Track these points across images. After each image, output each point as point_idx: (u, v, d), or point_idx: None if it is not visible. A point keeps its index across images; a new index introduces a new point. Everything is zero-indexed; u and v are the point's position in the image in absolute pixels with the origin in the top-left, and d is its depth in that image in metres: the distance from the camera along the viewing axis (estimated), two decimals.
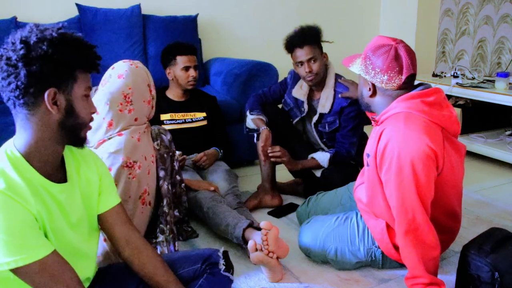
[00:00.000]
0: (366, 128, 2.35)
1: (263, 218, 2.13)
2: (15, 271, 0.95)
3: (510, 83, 2.96)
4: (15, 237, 0.93)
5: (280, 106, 2.43)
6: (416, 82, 1.57)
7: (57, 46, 0.98)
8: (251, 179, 2.73)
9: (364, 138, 2.27)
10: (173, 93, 2.47)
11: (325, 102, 2.23)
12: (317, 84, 2.23)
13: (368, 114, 1.69)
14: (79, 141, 1.10)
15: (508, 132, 3.26)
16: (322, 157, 2.23)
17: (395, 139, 1.42)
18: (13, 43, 0.98)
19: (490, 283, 1.40)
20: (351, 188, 1.93)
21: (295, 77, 2.34)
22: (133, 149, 1.59)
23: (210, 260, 1.29)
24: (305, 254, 1.81)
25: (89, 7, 2.88)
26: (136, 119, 1.62)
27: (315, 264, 1.79)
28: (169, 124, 2.38)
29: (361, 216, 1.73)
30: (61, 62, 0.99)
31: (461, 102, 3.34)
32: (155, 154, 1.71)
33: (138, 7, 3.00)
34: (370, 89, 1.55)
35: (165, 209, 1.70)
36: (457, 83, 3.16)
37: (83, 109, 1.06)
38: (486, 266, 1.40)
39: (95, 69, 1.07)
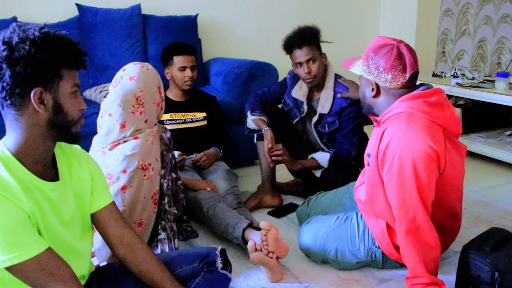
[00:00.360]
0: (366, 129, 2.35)
1: (263, 218, 2.13)
2: (10, 269, 0.95)
3: (510, 83, 2.96)
4: (9, 235, 0.93)
5: (279, 106, 2.43)
6: (417, 83, 1.57)
7: (39, 45, 0.97)
8: (251, 179, 2.73)
9: (364, 139, 2.27)
10: (172, 93, 2.47)
11: (324, 102, 2.22)
12: (317, 84, 2.23)
13: (370, 116, 1.69)
14: (72, 138, 1.10)
15: (508, 132, 3.26)
16: (322, 157, 2.23)
17: (397, 139, 1.42)
18: None
19: (490, 283, 1.40)
20: (351, 188, 1.93)
21: (294, 77, 2.33)
22: (148, 152, 1.61)
23: (208, 258, 1.29)
24: (305, 254, 1.81)
25: (89, 7, 2.89)
26: (146, 121, 1.64)
27: (315, 264, 1.79)
28: (169, 124, 2.38)
29: (361, 216, 1.73)
30: (45, 61, 0.98)
31: (461, 102, 3.34)
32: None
33: (138, 7, 3.00)
34: (373, 89, 1.55)
35: (166, 206, 1.71)
36: (457, 83, 3.16)
37: (72, 107, 1.06)
38: (486, 266, 1.40)
39: (81, 65, 1.07)
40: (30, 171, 1.02)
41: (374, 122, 1.61)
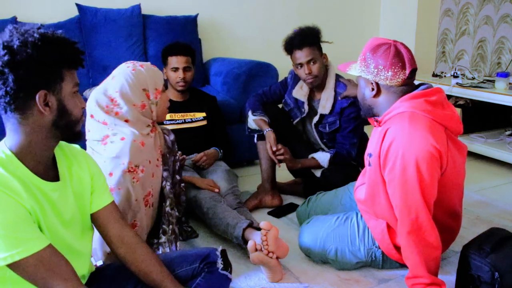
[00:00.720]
0: (366, 129, 2.35)
1: (263, 218, 2.13)
2: (12, 266, 0.95)
3: (510, 83, 2.96)
4: (10, 231, 0.93)
5: (280, 106, 2.43)
6: (416, 83, 1.57)
7: (41, 47, 0.97)
8: (251, 179, 2.73)
9: (364, 139, 2.27)
10: (171, 94, 2.46)
11: (325, 103, 2.22)
12: (318, 85, 2.22)
13: (369, 119, 1.67)
14: (75, 136, 1.11)
15: (508, 132, 3.26)
16: (323, 157, 2.23)
17: (399, 138, 1.42)
18: None
19: (490, 283, 1.40)
20: (351, 188, 1.93)
21: (295, 77, 2.33)
22: (136, 153, 1.57)
23: (208, 259, 1.30)
24: (305, 254, 1.81)
25: (89, 7, 2.89)
26: (127, 121, 1.61)
27: (315, 264, 1.79)
28: (169, 124, 2.38)
29: (361, 216, 1.73)
30: (47, 63, 0.99)
31: (461, 102, 3.34)
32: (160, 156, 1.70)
33: (138, 7, 3.00)
34: (373, 88, 1.54)
35: (168, 209, 1.71)
36: (457, 83, 3.16)
37: (75, 106, 1.06)
38: (486, 266, 1.40)
39: (80, 64, 1.07)
40: (31, 171, 1.02)
41: (374, 122, 1.60)
